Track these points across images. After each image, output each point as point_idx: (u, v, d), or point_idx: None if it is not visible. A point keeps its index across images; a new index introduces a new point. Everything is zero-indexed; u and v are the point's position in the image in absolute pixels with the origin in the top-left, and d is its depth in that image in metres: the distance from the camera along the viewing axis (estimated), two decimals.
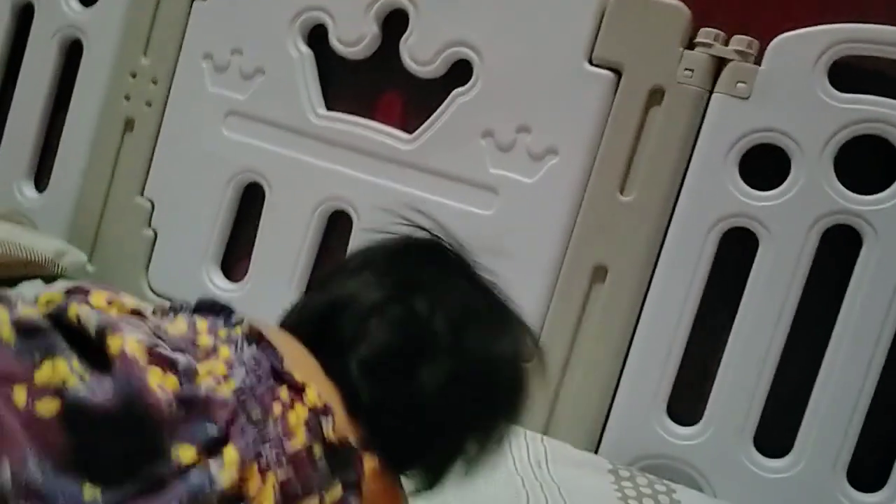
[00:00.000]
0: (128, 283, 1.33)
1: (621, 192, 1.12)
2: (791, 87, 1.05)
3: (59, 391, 0.49)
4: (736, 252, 1.09)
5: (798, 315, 1.05)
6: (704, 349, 1.11)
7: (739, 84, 1.07)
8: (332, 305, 0.67)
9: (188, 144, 1.34)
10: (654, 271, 1.11)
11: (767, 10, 1.10)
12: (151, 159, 1.36)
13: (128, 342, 0.51)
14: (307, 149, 1.27)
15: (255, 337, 0.60)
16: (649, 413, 1.10)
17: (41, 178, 1.45)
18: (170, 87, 1.35)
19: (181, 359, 0.54)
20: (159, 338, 0.55)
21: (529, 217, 1.16)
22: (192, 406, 0.52)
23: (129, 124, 1.37)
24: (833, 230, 1.05)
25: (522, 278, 1.14)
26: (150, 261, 1.35)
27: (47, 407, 0.48)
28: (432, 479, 0.67)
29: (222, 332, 0.60)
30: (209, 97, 1.33)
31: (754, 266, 1.07)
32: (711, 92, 1.09)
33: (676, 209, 1.10)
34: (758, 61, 1.07)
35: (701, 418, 1.10)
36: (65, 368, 0.50)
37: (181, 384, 0.53)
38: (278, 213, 1.29)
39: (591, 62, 1.13)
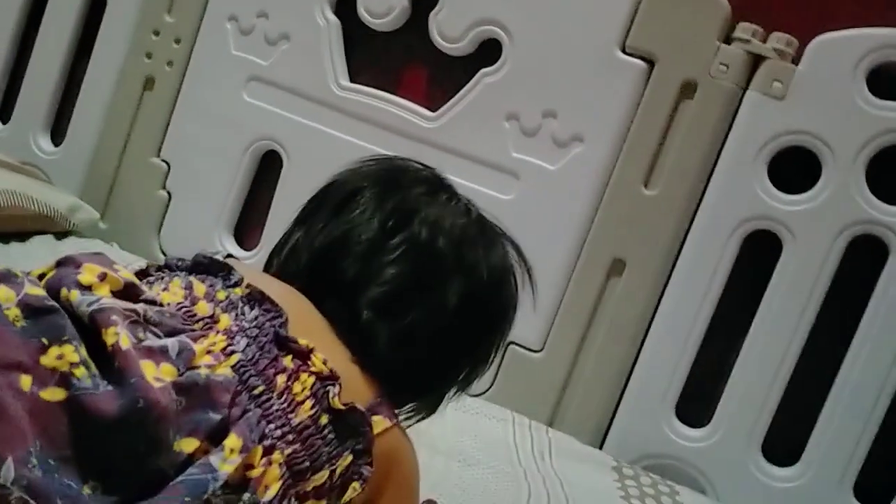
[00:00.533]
0: (139, 244, 1.32)
1: (645, 186, 1.10)
2: (828, 90, 1.02)
3: (65, 379, 0.48)
4: (758, 255, 1.06)
5: (817, 324, 1.03)
6: (718, 351, 1.09)
7: (775, 83, 1.04)
8: (329, 245, 0.66)
9: (208, 107, 1.32)
10: (672, 268, 1.09)
11: (809, 8, 1.07)
12: (170, 120, 1.34)
13: (122, 337, 0.51)
14: (328, 120, 1.25)
15: (257, 298, 0.59)
16: (657, 412, 1.09)
17: (58, 131, 1.43)
18: (192, 48, 1.33)
19: (172, 343, 0.53)
20: (148, 321, 0.54)
21: (550, 204, 1.14)
22: (192, 393, 0.51)
23: (149, 83, 1.35)
24: (859, 240, 1.02)
25: (538, 266, 1.11)
26: (162, 222, 1.34)
27: (52, 394, 0.48)
28: (438, 402, 0.69)
29: (221, 295, 0.59)
30: (232, 60, 1.31)
31: (776, 271, 1.05)
32: (745, 89, 1.06)
33: (701, 207, 1.07)
34: (796, 61, 1.04)
35: (710, 421, 1.08)
36: (72, 355, 0.49)
37: (179, 370, 0.52)
38: (294, 183, 1.27)
39: (623, 50, 1.10)
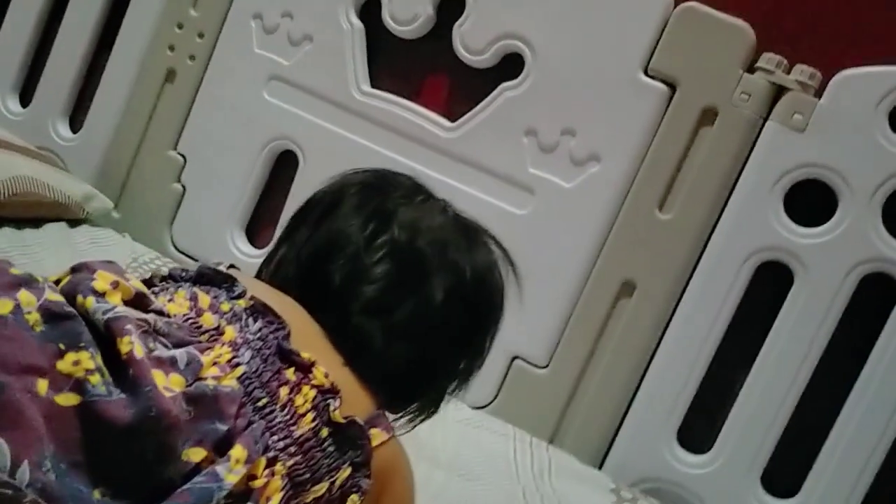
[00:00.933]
0: (151, 236, 1.32)
1: (660, 210, 1.10)
2: (849, 125, 1.02)
3: (79, 385, 0.49)
4: (768, 285, 1.06)
5: (823, 358, 1.03)
6: (723, 379, 1.09)
7: (796, 115, 1.04)
8: (314, 254, 0.68)
9: (227, 104, 1.32)
10: (682, 293, 1.09)
11: (834, 43, 1.06)
12: (189, 114, 1.34)
13: (136, 347, 0.52)
14: (347, 124, 1.25)
15: (260, 310, 0.60)
16: (659, 436, 1.09)
17: (77, 118, 1.43)
18: (215, 43, 1.34)
19: (180, 355, 0.54)
20: (157, 332, 0.55)
21: (563, 222, 1.14)
22: (201, 404, 0.52)
23: (170, 75, 1.36)
24: (870, 277, 1.02)
25: (548, 283, 1.13)
26: (175, 215, 1.34)
27: (67, 399, 0.49)
28: (435, 405, 0.70)
29: (225, 306, 0.60)
30: (254, 58, 1.31)
31: (786, 303, 1.05)
32: (766, 119, 1.06)
33: (714, 234, 1.07)
34: (818, 94, 1.04)
35: (711, 448, 1.08)
36: (88, 362, 0.50)
37: (187, 381, 0.53)
38: (309, 185, 1.25)
39: (646, 73, 1.10)
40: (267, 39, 1.31)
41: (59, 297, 0.53)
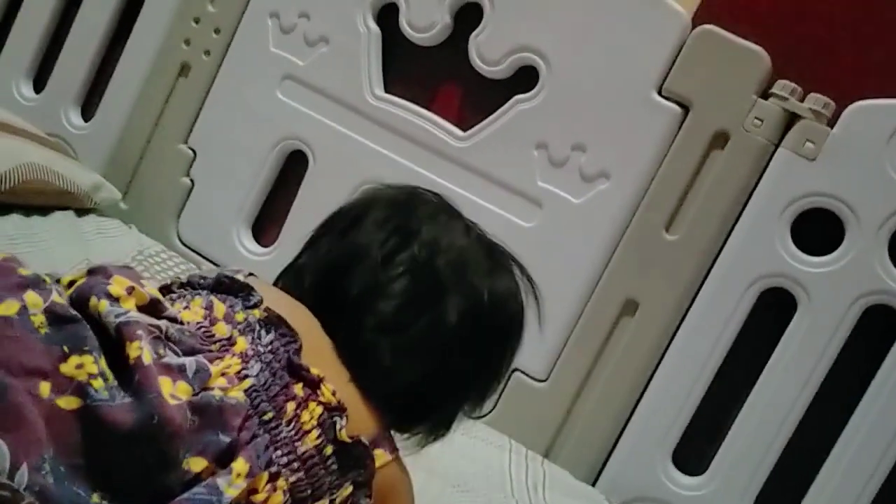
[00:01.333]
0: (157, 228, 1.33)
1: (667, 230, 1.10)
2: (860, 156, 1.02)
3: (81, 389, 0.49)
4: (771, 311, 1.06)
5: (823, 387, 1.03)
6: (722, 403, 1.09)
7: (808, 143, 1.04)
8: (333, 265, 0.67)
9: (240, 100, 1.32)
10: (685, 315, 1.09)
11: (850, 73, 1.06)
12: (201, 109, 1.35)
13: (145, 352, 0.52)
14: (358, 127, 1.25)
15: (274, 321, 0.60)
16: (654, 455, 1.09)
17: (89, 107, 1.44)
18: (231, 40, 1.34)
19: (190, 363, 0.54)
20: (169, 338, 0.55)
21: (570, 237, 1.14)
22: (205, 414, 0.52)
23: (184, 69, 1.36)
24: (873, 309, 1.02)
25: (551, 297, 1.12)
26: (182, 209, 1.35)
27: (68, 402, 0.49)
28: (443, 429, 0.69)
29: (240, 316, 0.60)
30: (269, 57, 1.31)
31: (788, 330, 1.05)
32: (777, 146, 1.06)
33: (720, 258, 1.08)
34: (831, 124, 1.04)
35: (705, 471, 1.08)
36: (91, 366, 0.50)
37: (194, 390, 0.53)
38: (318, 186, 1.28)
39: (660, 93, 1.11)
40: (283, 39, 1.31)
41: (63, 300, 0.53)
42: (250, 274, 0.67)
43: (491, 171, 1.18)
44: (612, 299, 1.12)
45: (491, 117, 1.19)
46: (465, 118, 1.22)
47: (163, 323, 0.56)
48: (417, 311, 0.65)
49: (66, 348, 0.50)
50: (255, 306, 0.61)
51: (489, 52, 1.19)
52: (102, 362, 0.51)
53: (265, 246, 1.32)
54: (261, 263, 1.29)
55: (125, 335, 0.52)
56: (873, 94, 1.03)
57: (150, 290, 0.58)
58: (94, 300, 0.54)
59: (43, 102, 1.44)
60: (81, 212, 1.26)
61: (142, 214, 1.35)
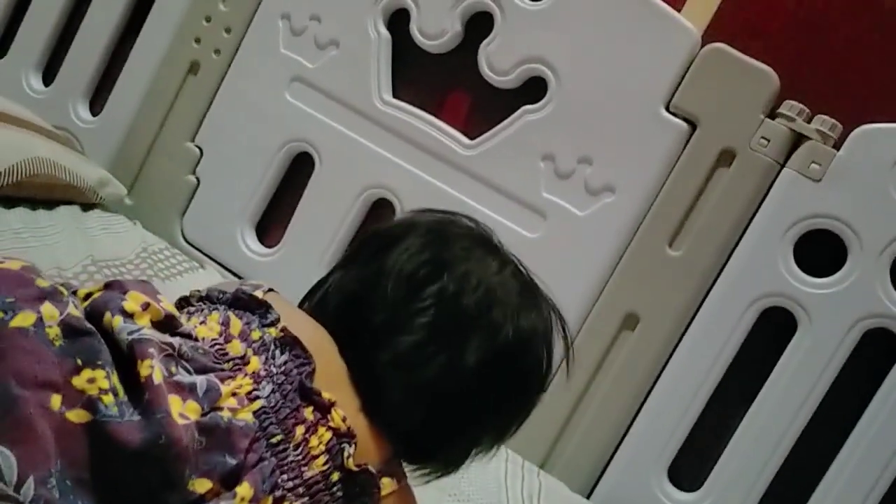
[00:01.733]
0: (162, 225, 1.33)
1: (670, 246, 1.10)
2: (865, 179, 1.02)
3: (91, 403, 0.50)
4: (771, 331, 1.07)
5: (820, 408, 1.04)
6: (718, 420, 1.09)
7: (813, 165, 1.04)
8: (359, 290, 0.66)
9: (248, 101, 1.33)
10: (685, 331, 1.09)
11: (858, 96, 1.07)
12: (209, 107, 1.35)
13: (156, 371, 0.52)
14: (366, 132, 1.26)
15: (289, 342, 0.60)
16: (650, 471, 1.09)
17: (98, 101, 1.44)
18: (241, 40, 1.34)
19: (201, 382, 0.54)
20: (181, 356, 0.55)
21: (573, 249, 1.14)
22: (213, 435, 0.52)
23: (193, 67, 1.36)
24: (872, 332, 1.03)
25: None
26: (187, 207, 1.35)
27: (78, 416, 0.49)
28: (454, 466, 0.68)
29: (255, 334, 0.60)
30: (279, 58, 1.31)
31: (787, 350, 1.05)
32: (783, 166, 1.06)
33: (722, 275, 1.08)
34: (837, 146, 1.04)
35: (700, 488, 1.08)
36: (103, 381, 0.50)
37: (203, 409, 0.53)
38: (323, 189, 1.28)
39: (668, 109, 1.11)
40: (293, 41, 1.31)
41: (79, 313, 0.53)
42: (270, 289, 0.66)
43: (496, 181, 1.19)
44: (613, 313, 1.12)
45: (498, 127, 1.20)
46: (473, 126, 1.23)
47: (176, 340, 0.55)
48: (435, 351, 0.63)
49: (79, 361, 0.51)
50: (272, 325, 0.61)
51: (498, 62, 1.20)
52: (114, 377, 0.51)
53: (269, 247, 1.32)
54: (264, 264, 1.30)
55: (137, 353, 0.52)
56: (880, 119, 1.03)
57: (166, 305, 0.58)
58: (108, 315, 0.54)
59: (52, 95, 1.44)
60: (87, 206, 1.26)
61: (146, 211, 1.35)
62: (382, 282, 0.64)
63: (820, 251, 1.05)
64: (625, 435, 1.11)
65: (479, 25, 1.22)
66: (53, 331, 0.51)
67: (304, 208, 1.29)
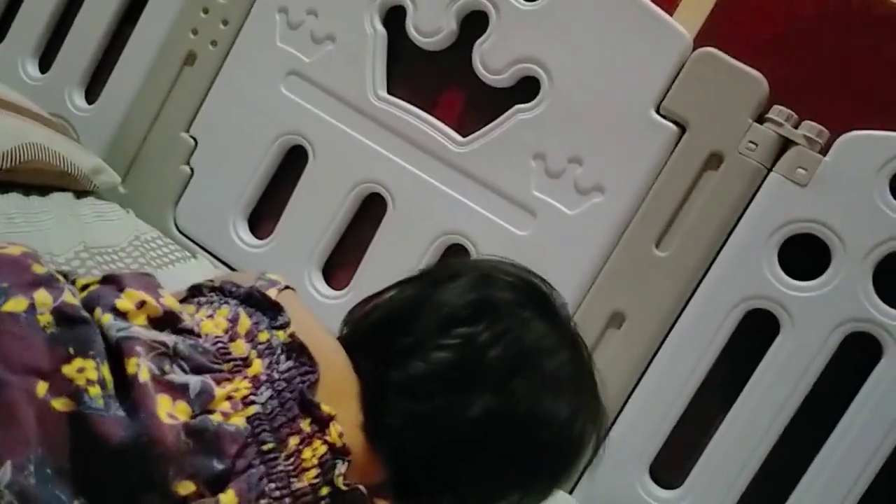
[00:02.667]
0: (155, 214, 1.34)
1: (657, 246, 1.12)
2: (850, 185, 1.04)
3: (77, 393, 0.50)
4: (754, 332, 1.08)
5: (801, 410, 1.05)
6: (701, 419, 1.11)
7: (800, 170, 1.06)
8: (401, 312, 0.65)
9: (244, 93, 1.33)
10: (670, 331, 1.11)
11: (846, 104, 1.08)
12: (204, 98, 1.36)
13: (142, 370, 0.52)
14: (360, 127, 1.27)
15: (296, 348, 0.59)
16: (632, 467, 1.10)
17: (93, 89, 1.45)
18: (238, 32, 1.35)
19: (194, 382, 0.53)
20: (178, 354, 0.54)
21: (561, 247, 1.15)
22: (201, 438, 0.52)
23: (190, 58, 1.37)
24: (854, 335, 1.04)
25: None
26: (180, 197, 1.36)
27: (62, 404, 0.49)
28: None
29: (263, 336, 0.59)
30: (275, 51, 1.32)
31: (770, 351, 1.07)
32: (770, 170, 1.08)
33: (707, 276, 1.09)
34: (823, 152, 1.06)
35: (681, 485, 1.10)
36: (91, 372, 0.50)
37: (194, 411, 0.52)
38: (316, 183, 1.29)
39: (658, 111, 1.12)
40: (290, 34, 1.32)
41: (76, 301, 0.53)
42: (287, 287, 0.65)
43: (488, 178, 1.20)
44: (600, 311, 1.13)
45: (491, 125, 1.21)
46: (465, 124, 1.24)
47: (172, 338, 0.55)
48: (444, 388, 0.61)
49: (71, 349, 0.50)
50: (282, 328, 0.60)
51: (492, 61, 1.21)
52: (104, 369, 0.51)
53: (261, 238, 1.33)
54: (255, 255, 1.31)
55: (124, 351, 0.52)
56: (866, 126, 1.05)
57: (167, 301, 0.57)
58: (97, 312, 0.54)
59: (48, 83, 1.45)
60: (80, 194, 1.27)
61: (140, 200, 1.36)
62: (424, 309, 0.64)
63: (804, 255, 1.07)
64: (608, 431, 1.12)
65: (473, 24, 1.23)
66: (45, 318, 0.51)
67: (297, 201, 1.30)
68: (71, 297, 0.53)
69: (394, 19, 1.28)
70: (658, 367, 1.11)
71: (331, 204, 1.27)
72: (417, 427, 0.61)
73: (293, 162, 1.32)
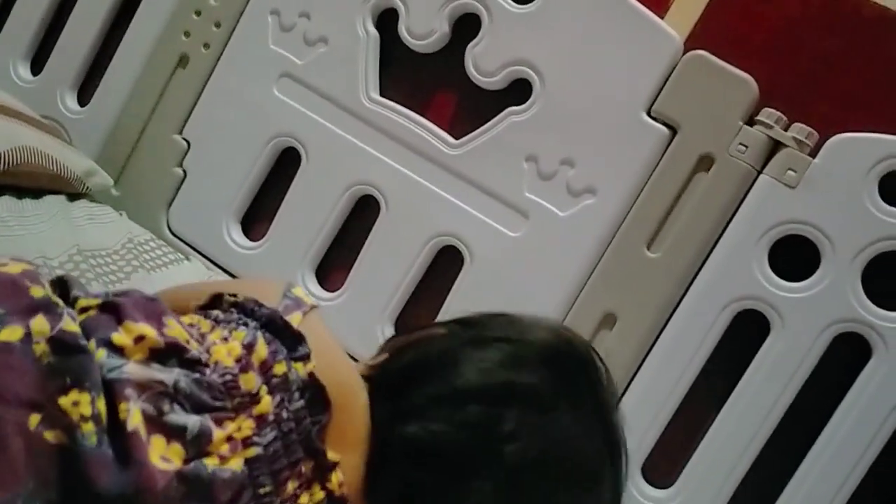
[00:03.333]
0: (147, 217, 1.34)
1: (648, 248, 1.12)
2: (839, 187, 1.05)
3: (70, 428, 0.48)
4: (744, 332, 1.09)
5: (791, 409, 1.06)
6: (692, 419, 1.11)
7: (789, 172, 1.07)
8: (436, 362, 0.62)
9: (237, 95, 1.34)
10: (661, 331, 1.11)
11: (835, 106, 1.09)
12: (197, 101, 1.36)
13: (132, 415, 0.50)
14: (352, 129, 1.27)
15: (311, 387, 0.56)
16: None
17: (86, 92, 1.45)
18: (231, 34, 1.35)
19: (193, 423, 0.51)
20: (178, 392, 0.52)
21: (553, 249, 1.16)
22: (194, 485, 0.50)
23: (182, 60, 1.37)
24: (844, 336, 1.05)
25: (533, 305, 1.15)
26: (173, 199, 1.36)
27: (55, 437, 0.48)
28: None
29: (279, 368, 0.57)
30: (268, 53, 1.33)
31: (761, 352, 1.08)
32: (760, 172, 1.09)
33: (698, 277, 1.10)
34: (813, 154, 1.07)
35: (672, 485, 1.11)
36: (86, 407, 0.49)
37: (187, 455, 0.51)
38: (309, 185, 1.30)
39: (649, 114, 1.13)
40: (282, 37, 1.32)
41: (75, 328, 0.51)
42: (313, 307, 0.62)
43: (480, 180, 1.21)
44: (592, 312, 1.14)
45: (483, 127, 1.21)
46: (458, 126, 1.25)
47: (173, 374, 0.53)
48: (445, 467, 0.58)
49: (68, 380, 0.49)
50: (302, 359, 0.57)
51: (485, 64, 1.22)
52: (100, 402, 0.49)
53: (254, 240, 1.33)
54: (248, 258, 1.31)
55: (115, 393, 0.50)
56: (856, 128, 1.06)
57: (172, 330, 0.54)
58: (91, 345, 0.51)
59: (40, 85, 1.45)
60: (73, 196, 1.27)
61: (133, 202, 1.36)
62: (458, 368, 0.61)
63: (794, 256, 1.08)
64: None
65: (466, 27, 1.24)
66: (41, 347, 0.49)
67: (290, 203, 1.31)
68: (70, 324, 0.51)
69: (386, 22, 1.29)
70: (650, 368, 1.11)
71: (324, 206, 1.28)
72: (411, 497, 0.59)
73: (286, 164, 1.33)
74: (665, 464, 1.13)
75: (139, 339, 0.53)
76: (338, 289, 1.27)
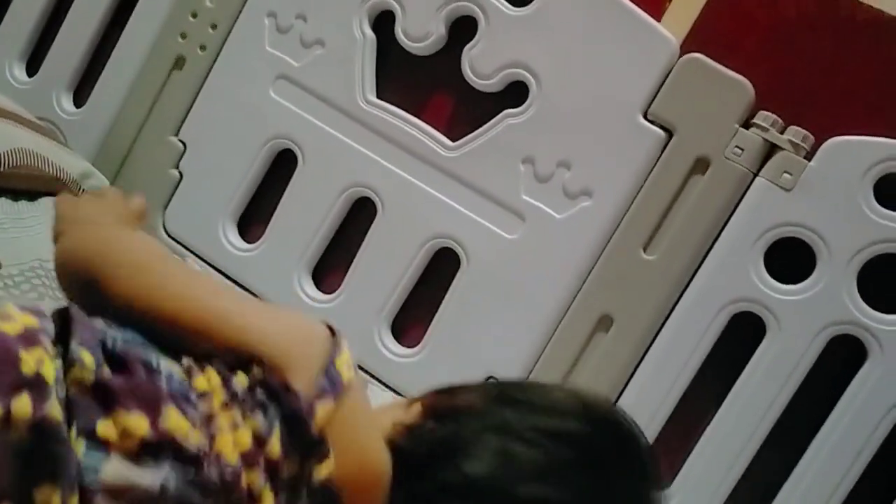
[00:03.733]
0: None
1: (644, 250, 1.13)
2: (835, 190, 1.05)
3: None
4: (740, 335, 1.09)
5: (786, 412, 1.06)
6: (688, 421, 1.12)
7: (785, 174, 1.07)
8: (457, 443, 0.58)
9: (233, 97, 1.34)
10: (658, 333, 1.12)
11: (831, 109, 1.10)
12: (193, 102, 1.36)
13: None
14: (349, 131, 1.27)
15: (325, 494, 0.53)
16: None
17: (82, 93, 1.45)
18: (227, 36, 1.35)
19: None
20: (164, 494, 0.49)
21: (550, 251, 1.16)
22: None
23: (179, 62, 1.37)
24: (839, 338, 1.06)
25: (529, 308, 1.16)
26: (169, 201, 1.36)
27: None
28: None
29: (289, 469, 0.53)
30: (264, 56, 1.33)
31: (756, 354, 1.08)
32: (756, 175, 1.09)
33: (694, 280, 1.10)
34: (809, 156, 1.07)
35: (669, 487, 1.11)
36: None
37: None
38: (306, 186, 1.30)
39: (645, 116, 1.13)
40: (279, 38, 1.32)
41: (58, 416, 0.48)
42: (350, 385, 0.56)
43: (477, 182, 1.21)
44: (588, 314, 1.14)
45: (480, 129, 1.22)
46: (455, 128, 1.25)
47: (161, 475, 0.49)
48: None
49: (42, 473, 0.46)
50: (321, 458, 0.53)
51: (481, 66, 1.22)
52: (73, 501, 0.47)
53: (250, 242, 1.33)
54: (244, 259, 1.31)
55: (87, 501, 0.47)
56: (851, 131, 1.06)
57: (170, 422, 0.50)
58: (73, 433, 0.48)
59: (35, 86, 1.45)
60: None
61: None
62: (474, 457, 0.57)
63: (790, 259, 1.08)
64: None
65: (463, 29, 1.24)
66: (18, 433, 0.47)
67: (286, 205, 1.30)
68: (54, 409, 0.47)
69: (383, 24, 1.29)
70: (646, 370, 1.12)
71: (320, 208, 1.28)
72: None
73: (282, 166, 1.33)
74: (662, 466, 1.12)
75: (124, 433, 0.49)
76: (334, 291, 1.27)
